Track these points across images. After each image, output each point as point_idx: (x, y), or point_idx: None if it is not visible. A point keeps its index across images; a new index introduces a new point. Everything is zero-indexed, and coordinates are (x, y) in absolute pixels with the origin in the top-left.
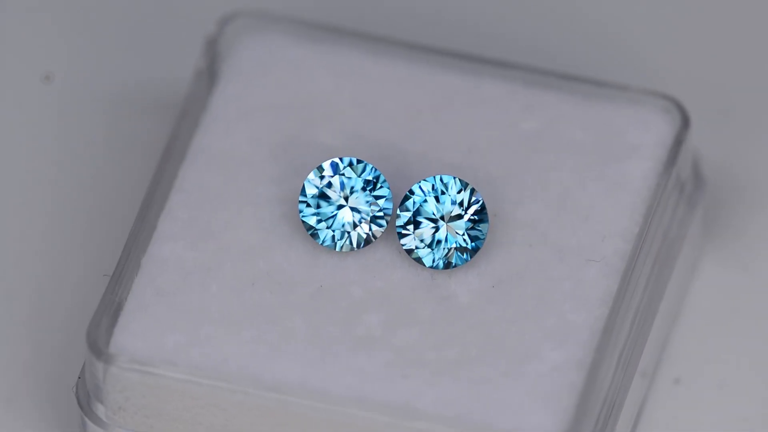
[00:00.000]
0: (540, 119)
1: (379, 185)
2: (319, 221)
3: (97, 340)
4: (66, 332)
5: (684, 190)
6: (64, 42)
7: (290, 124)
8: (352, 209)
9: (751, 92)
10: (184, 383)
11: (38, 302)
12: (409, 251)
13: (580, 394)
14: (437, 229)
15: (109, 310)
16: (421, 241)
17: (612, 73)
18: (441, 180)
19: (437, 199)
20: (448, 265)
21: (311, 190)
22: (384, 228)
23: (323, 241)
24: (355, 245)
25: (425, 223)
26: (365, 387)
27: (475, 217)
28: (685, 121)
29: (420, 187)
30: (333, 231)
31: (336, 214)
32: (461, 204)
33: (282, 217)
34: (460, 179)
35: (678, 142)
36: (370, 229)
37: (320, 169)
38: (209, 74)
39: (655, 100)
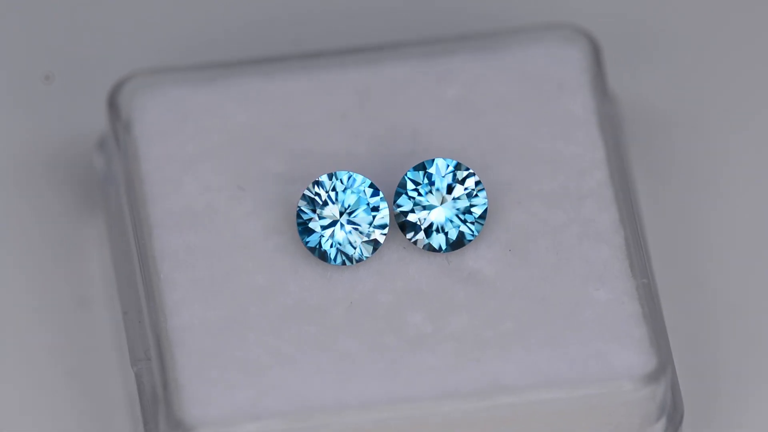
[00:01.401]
0: (459, 85)
1: (369, 190)
2: (324, 243)
3: (175, 416)
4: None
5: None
6: None
7: (234, 164)
8: (351, 222)
9: (651, 14)
10: None
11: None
12: (417, 243)
13: (646, 321)
14: (438, 213)
15: (168, 388)
16: (427, 229)
17: (511, 17)
18: (423, 166)
19: (428, 185)
20: (459, 244)
21: (306, 216)
22: (386, 230)
23: (334, 260)
24: (364, 255)
25: (424, 211)
26: (446, 381)
27: (472, 189)
28: (595, 46)
29: (407, 179)
30: (340, 247)
31: (336, 231)
32: (452, 181)
33: (276, 250)
34: (443, 159)
35: (598, 66)
36: (374, 235)
37: (309, 190)
38: (126, 138)
39: (559, 32)
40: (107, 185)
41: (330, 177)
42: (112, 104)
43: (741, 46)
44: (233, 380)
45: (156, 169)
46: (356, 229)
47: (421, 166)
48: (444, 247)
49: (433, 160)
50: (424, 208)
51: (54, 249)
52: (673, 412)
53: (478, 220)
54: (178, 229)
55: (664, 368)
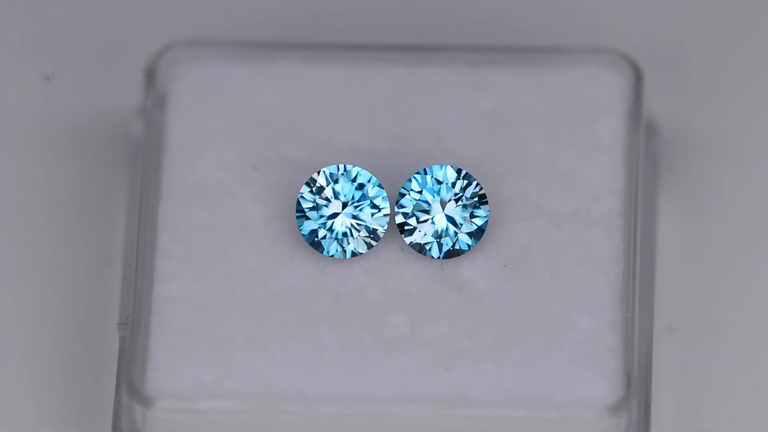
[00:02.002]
0: (494, 96)
1: (372, 187)
2: (320, 233)
3: (134, 385)
4: (85, 385)
5: (645, 141)
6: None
7: (254, 145)
8: (350, 215)
9: (697, 42)
10: (230, 414)
11: (46, 358)
12: (414, 246)
13: (622, 355)
14: (438, 219)
15: (136, 355)
16: (424, 234)
17: (554, 36)
18: (432, 171)
19: (432, 190)
20: (454, 253)
21: (306, 204)
22: (385, 228)
23: (328, 252)
24: (359, 251)
25: (425, 215)
26: (411, 386)
27: (474, 200)
28: (638, 73)
29: (412, 181)
30: (336, 240)
31: (335, 223)
32: (457, 190)
33: (276, 236)
34: (450, 166)
35: (637, 94)
36: (372, 232)
37: (311, 181)
38: (157, 109)
39: (604, 56)
40: (136, 152)
41: (337, 168)
42: (150, 73)
43: None
44: (202, 357)
45: (178, 139)
46: (355, 223)
47: (429, 171)
48: (439, 254)
49: (441, 166)
50: (426, 212)
51: (87, 210)
52: None
53: (477, 232)
54: (186, 201)
55: (628, 403)
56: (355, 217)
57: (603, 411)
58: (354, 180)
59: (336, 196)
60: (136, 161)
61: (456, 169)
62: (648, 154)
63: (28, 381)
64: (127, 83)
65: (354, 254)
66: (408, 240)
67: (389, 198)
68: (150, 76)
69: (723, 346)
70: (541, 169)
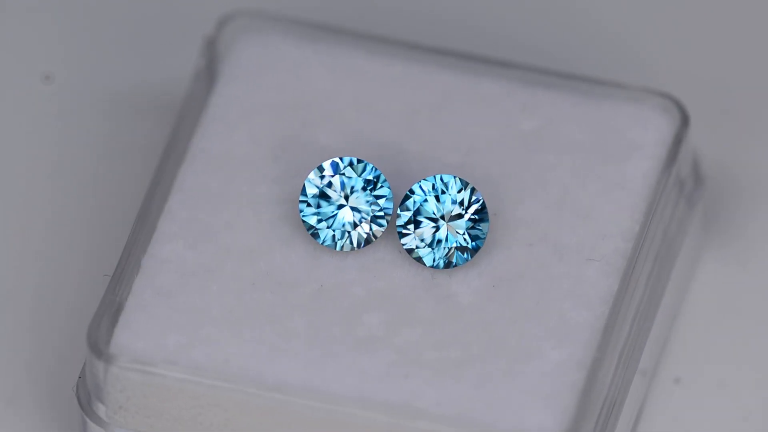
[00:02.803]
0: (539, 119)
1: (379, 185)
2: (319, 221)
3: (98, 340)
4: (66, 333)
5: (684, 188)
6: (61, 43)
7: (289, 125)
8: (353, 209)
9: (749, 91)
10: (185, 383)
11: (38, 302)
12: (410, 251)
13: (581, 393)
14: (438, 228)
15: (109, 310)
16: (422, 240)
17: (610, 72)
18: (441, 179)
19: (437, 198)
20: (448, 264)
21: (312, 190)
22: (384, 228)
23: (324, 241)
24: (355, 245)
25: (426, 222)
26: (367, 387)
27: (476, 216)
28: (684, 120)
29: (420, 186)
30: (333, 231)
31: (336, 214)
32: (461, 203)
33: (282, 218)
34: (460, 179)
35: (678, 141)
36: (371, 229)
37: (320, 168)
38: (208, 75)
39: (655, 98)
40: (181, 118)
41: (349, 161)
42: (211, 42)
43: None
44: (173, 323)
45: (219, 107)
46: (356, 218)
47: (437, 180)
48: (430, 262)
49: (451, 176)
50: (428, 220)
51: (143, 169)
52: None
53: (472, 248)
54: (206, 169)
55: None
56: (357, 211)
57: None
58: (362, 175)
59: (342, 187)
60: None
61: (464, 182)
62: (685, 201)
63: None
64: (189, 53)
65: (348, 248)
66: (404, 243)
67: (396, 199)
68: (210, 43)
69: (727, 404)
70: (560, 197)
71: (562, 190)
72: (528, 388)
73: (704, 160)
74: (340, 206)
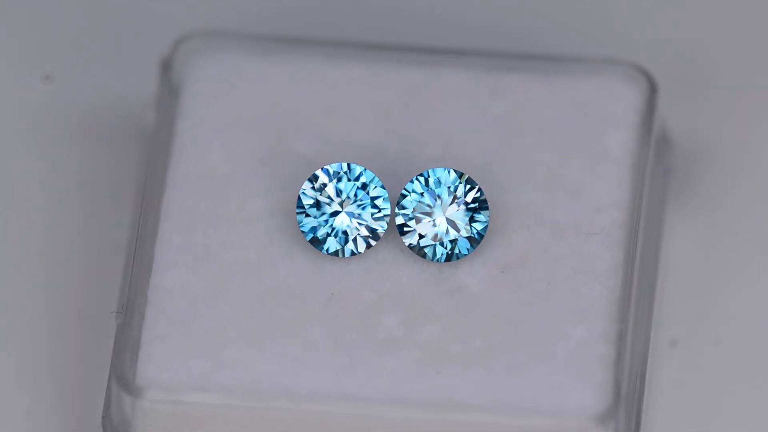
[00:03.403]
0: (509, 103)
1: (374, 187)
2: (319, 230)
3: (124, 375)
4: (78, 372)
5: (658, 154)
6: (10, 69)
7: (264, 138)
8: (351, 214)
9: (712, 56)
10: (217, 408)
11: (44, 344)
12: (413, 248)
13: (613, 366)
14: (438, 222)
15: (127, 345)
16: (424, 236)
17: (572, 46)
18: (434, 173)
19: (433, 192)
20: (453, 256)
21: (307, 201)
22: (385, 229)
23: (326, 250)
24: (358, 250)
25: (425, 218)
26: (400, 387)
27: (475, 204)
28: (652, 87)
29: (414, 183)
30: (335, 238)
31: (335, 221)
32: (459, 194)
33: (277, 231)
34: (453, 170)
35: (650, 108)
36: (372, 232)
37: (313, 178)
38: (170, 98)
39: (620, 68)
40: (154, 144)
41: (340, 167)
42: (166, 63)
43: None
44: (194, 349)
45: (189, 130)
46: (355, 223)
47: (432, 174)
48: (437, 257)
49: (445, 169)
50: (426, 215)
51: (99, 199)
52: None
53: (476, 237)
54: (191, 192)
55: (614, 413)
56: (355, 216)
57: (589, 421)
58: (357, 179)
59: (338, 194)
60: (147, 151)
61: (458, 173)
62: (660, 167)
63: (27, 366)
64: (145, 74)
65: (352, 253)
66: (407, 241)
67: (391, 199)
68: (166, 66)
69: (725, 362)
70: (547, 178)
71: (547, 170)
72: (560, 368)
73: (670, 125)
74: (338, 213)
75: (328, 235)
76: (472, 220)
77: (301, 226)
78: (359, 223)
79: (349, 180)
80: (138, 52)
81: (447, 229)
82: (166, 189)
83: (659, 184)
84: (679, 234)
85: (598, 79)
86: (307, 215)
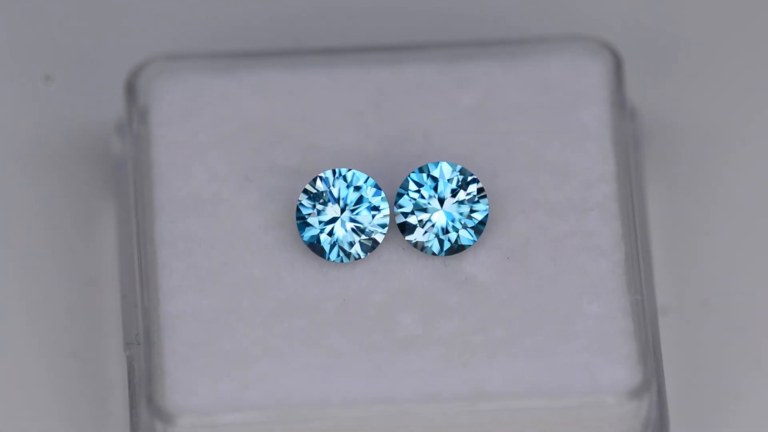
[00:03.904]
0: (477, 91)
1: (369, 189)
2: (321, 238)
3: (155, 402)
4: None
5: (631, 125)
6: None
7: (242, 154)
8: (350, 219)
9: (673, 28)
10: (252, 426)
11: (40, 384)
12: (416, 245)
13: (635, 338)
14: (438, 216)
15: (152, 372)
16: (426, 232)
17: (533, 27)
18: (428, 168)
19: (430, 187)
20: (456, 249)
21: (306, 210)
22: (386, 230)
23: (330, 257)
24: (362, 253)
25: (425, 214)
26: (430, 384)
27: (473, 194)
28: (617, 59)
29: (410, 180)
30: (337, 245)
31: (335, 228)
32: (455, 186)
33: (276, 244)
34: (448, 162)
35: (618, 80)
36: (373, 234)
37: (309, 187)
38: (137, 123)
39: (583, 44)
40: (121, 169)
41: (333, 173)
42: (130, 88)
43: (764, 57)
44: (219, 370)
45: (166, 154)
46: (355, 226)
47: (426, 169)
48: (442, 251)
49: (437, 163)
50: (425, 210)
51: (69, 230)
52: (658, 428)
53: (478, 226)
54: (181, 216)
55: (648, 385)
56: (354, 220)
57: (623, 396)
58: (351, 183)
59: (334, 200)
60: (121, 179)
61: (452, 165)
62: (637, 140)
63: (25, 409)
64: (103, 100)
65: (356, 257)
66: (409, 239)
67: (387, 198)
68: (130, 91)
69: (717, 323)
70: (532, 160)
71: (529, 153)
72: (584, 346)
73: (633, 97)
74: (337, 219)
75: (330, 242)
76: (471, 210)
77: (303, 237)
78: (360, 227)
79: (344, 185)
80: (96, 78)
81: (447, 222)
82: (156, 216)
83: (637, 154)
84: (653, 202)
85: (564, 58)
86: (308, 225)
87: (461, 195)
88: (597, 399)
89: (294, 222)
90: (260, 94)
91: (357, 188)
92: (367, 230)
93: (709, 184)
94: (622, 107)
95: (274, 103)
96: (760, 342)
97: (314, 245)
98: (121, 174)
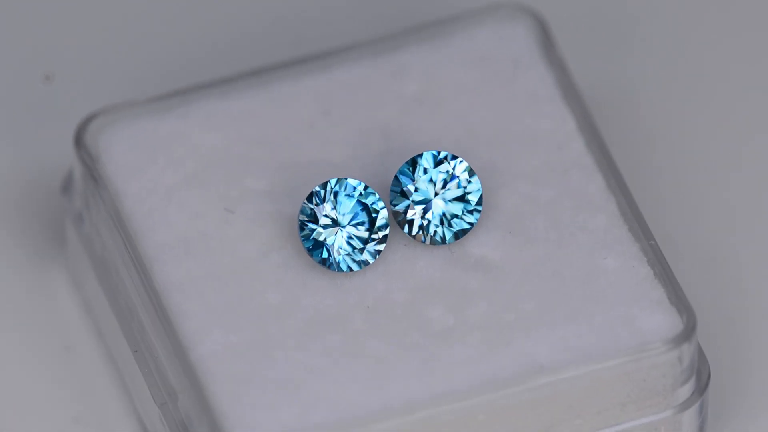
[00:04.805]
0: (416, 78)
1: (366, 193)
2: (329, 252)
3: None
4: None
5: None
6: None
7: (215, 188)
8: (353, 227)
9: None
10: None
11: None
12: (419, 237)
13: (661, 282)
14: (435, 205)
15: (212, 418)
16: (427, 223)
17: (448, 5)
18: (413, 161)
19: (421, 179)
20: (460, 233)
21: (308, 228)
22: (387, 230)
23: (341, 268)
24: (370, 259)
25: (421, 205)
26: (482, 369)
27: (465, 176)
28: (542, 21)
29: (398, 176)
30: (346, 255)
31: (339, 239)
32: (445, 172)
33: (279, 267)
34: (431, 152)
35: (549, 40)
36: (376, 238)
37: (306, 202)
38: (97, 176)
39: (504, 12)
40: (82, 225)
41: (324, 186)
42: (80, 144)
43: (688, 16)
44: (273, 400)
45: (138, 204)
46: (358, 233)
47: (411, 162)
48: (446, 238)
49: (421, 154)
50: (421, 202)
51: (25, 296)
52: (700, 371)
53: (476, 207)
54: (177, 260)
55: (691, 326)
56: (356, 227)
57: (670, 341)
58: (344, 192)
59: (332, 211)
60: (81, 235)
61: (434, 152)
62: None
63: None
64: (45, 156)
65: (365, 264)
66: (412, 233)
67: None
68: (81, 146)
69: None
70: (496, 134)
71: (492, 126)
72: (616, 301)
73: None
74: (340, 229)
75: (340, 254)
76: (465, 192)
77: (312, 254)
78: (362, 233)
79: (339, 195)
80: (38, 136)
81: (445, 208)
82: (152, 265)
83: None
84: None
85: (487, 28)
86: (313, 241)
87: (453, 182)
88: (646, 350)
89: (289, 242)
90: (208, 125)
91: (351, 195)
92: (369, 235)
93: (650, 139)
94: (560, 65)
95: (224, 131)
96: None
97: (324, 260)
98: (79, 230)
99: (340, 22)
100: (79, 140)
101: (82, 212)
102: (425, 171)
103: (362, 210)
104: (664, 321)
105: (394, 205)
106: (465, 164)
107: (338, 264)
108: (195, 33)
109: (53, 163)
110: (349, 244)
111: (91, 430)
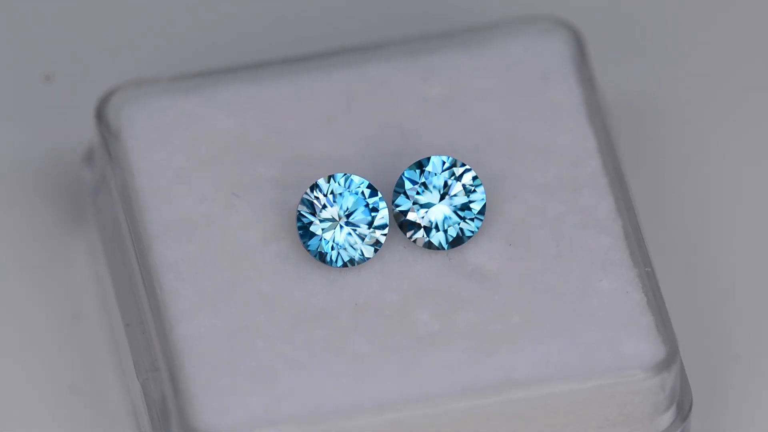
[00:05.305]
0: (443, 82)
1: (368, 191)
2: (324, 246)
3: (191, 426)
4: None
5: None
6: None
7: (225, 172)
8: (351, 224)
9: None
10: None
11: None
12: (417, 241)
13: (651, 309)
14: (437, 210)
15: (180, 397)
16: (427, 228)
17: (487, 12)
18: (420, 164)
19: (425, 183)
20: (459, 240)
21: (306, 220)
22: (387, 230)
23: (336, 263)
24: (366, 256)
25: (423, 209)
26: (459, 378)
27: (469, 184)
28: (577, 36)
29: (404, 178)
30: (342, 251)
31: (336, 234)
32: (450, 178)
33: (277, 257)
34: (438, 156)
35: (582, 57)
36: (375, 236)
37: (307, 195)
38: (114, 153)
39: (542, 24)
40: (98, 197)
41: (328, 180)
42: (101, 117)
43: (720, 32)
44: (246, 387)
45: (149, 180)
46: (356, 230)
47: (418, 165)
48: (444, 244)
49: (429, 158)
50: (423, 206)
51: (44, 262)
52: (682, 399)
53: (478, 216)
54: (177, 240)
55: (673, 356)
56: (355, 224)
57: (650, 369)
58: (347, 187)
59: (333, 206)
60: (99, 206)
61: (443, 157)
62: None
63: None
64: (69, 129)
65: (361, 261)
66: (411, 236)
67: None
68: (101, 120)
69: (705, 289)
70: (513, 144)
71: (509, 137)
72: (603, 324)
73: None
74: (339, 225)
75: (337, 249)
76: (469, 200)
77: (307, 247)
78: (361, 231)
79: (341, 190)
80: (63, 107)
81: (446, 215)
82: (152, 242)
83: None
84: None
85: (522, 39)
86: (310, 234)
87: (456, 187)
88: (625, 375)
89: (291, 233)
90: (230, 110)
91: (353, 192)
92: (368, 233)
93: (677, 158)
94: (590, 82)
95: (244, 117)
96: (754, 305)
97: (319, 253)
98: (97, 202)
99: (375, 19)
100: (100, 113)
101: (99, 185)
102: (431, 175)
103: (362, 207)
104: (648, 348)
105: (396, 206)
106: (472, 173)
107: (333, 259)
108: (229, 16)
109: (80, 135)
110: (346, 240)
111: (84, 399)
